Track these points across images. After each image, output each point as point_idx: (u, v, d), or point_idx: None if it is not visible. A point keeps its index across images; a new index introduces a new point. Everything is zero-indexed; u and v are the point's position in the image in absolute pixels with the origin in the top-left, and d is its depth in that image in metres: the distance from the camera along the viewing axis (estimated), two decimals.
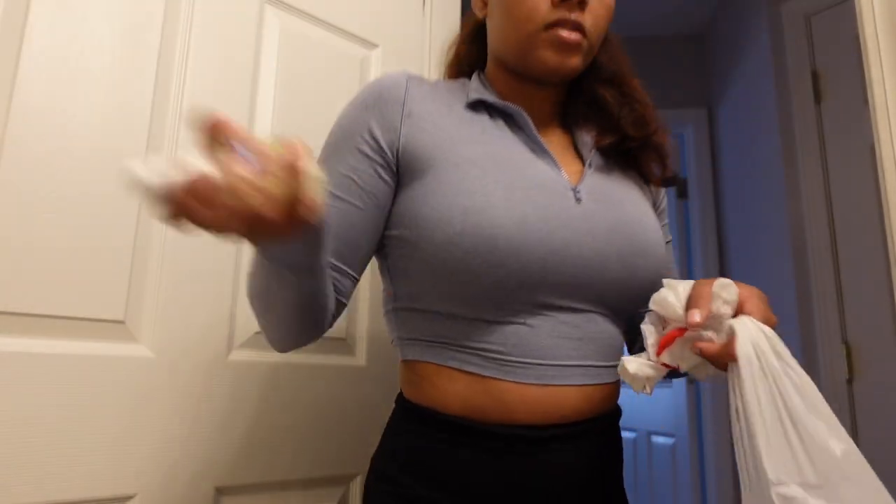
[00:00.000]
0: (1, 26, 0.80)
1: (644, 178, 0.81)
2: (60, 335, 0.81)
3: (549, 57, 0.72)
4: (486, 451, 0.66)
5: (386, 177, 0.72)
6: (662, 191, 0.87)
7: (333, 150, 0.73)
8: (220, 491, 0.92)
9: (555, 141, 0.79)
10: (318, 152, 1.11)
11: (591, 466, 0.68)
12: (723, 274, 2.83)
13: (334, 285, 0.71)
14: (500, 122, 0.75)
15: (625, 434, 3.22)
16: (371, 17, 1.23)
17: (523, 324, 0.67)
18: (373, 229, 0.72)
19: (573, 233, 0.68)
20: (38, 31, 0.83)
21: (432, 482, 0.68)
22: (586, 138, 0.78)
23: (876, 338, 1.89)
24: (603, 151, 0.78)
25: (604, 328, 0.71)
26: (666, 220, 0.86)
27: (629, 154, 0.79)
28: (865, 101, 1.03)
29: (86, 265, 0.83)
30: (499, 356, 0.67)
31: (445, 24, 1.36)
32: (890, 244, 0.95)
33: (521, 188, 0.68)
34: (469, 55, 0.87)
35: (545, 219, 0.67)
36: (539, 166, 0.72)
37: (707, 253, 2.87)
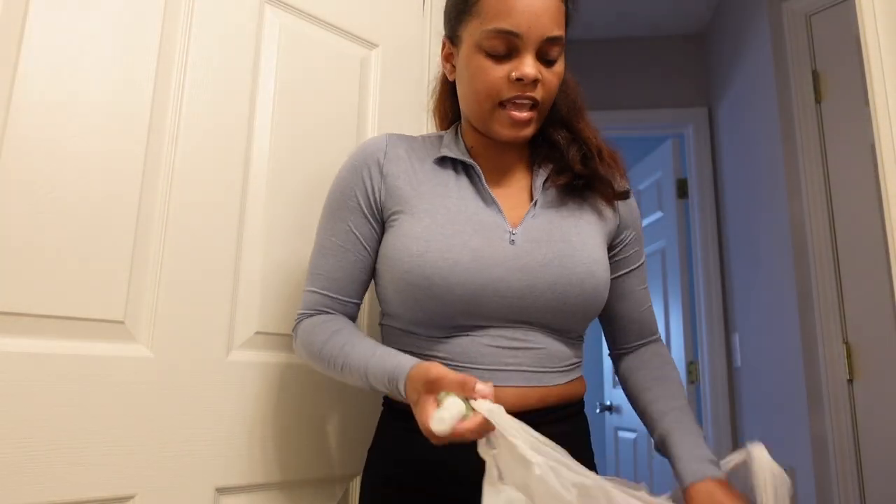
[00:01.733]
0: (0, 26, 0.80)
1: (601, 198, 0.92)
2: (60, 335, 0.81)
3: (504, 132, 0.86)
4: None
5: (375, 226, 0.90)
6: (630, 215, 0.97)
7: (336, 208, 0.90)
8: (220, 491, 0.92)
9: (514, 185, 0.92)
10: (313, 149, 1.11)
11: None
12: (723, 274, 2.83)
13: (349, 313, 0.91)
14: (462, 176, 0.90)
15: (625, 434, 3.22)
16: (371, 17, 1.23)
17: (466, 335, 0.83)
18: (371, 265, 0.90)
19: (505, 270, 0.82)
20: (38, 30, 0.83)
21: (400, 463, 0.85)
22: (539, 182, 0.90)
23: (876, 338, 1.89)
24: (560, 190, 0.90)
25: (541, 340, 0.84)
26: (639, 245, 0.98)
27: (586, 187, 0.91)
28: (865, 101, 1.03)
29: (85, 265, 0.83)
30: (447, 361, 0.82)
31: None
32: (890, 244, 0.95)
33: (462, 234, 0.83)
34: (449, 112, 1.01)
35: (477, 260, 0.81)
36: (485, 214, 0.86)
37: (707, 253, 2.87)
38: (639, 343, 0.99)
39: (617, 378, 1.02)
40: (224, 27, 1.01)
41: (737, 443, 2.64)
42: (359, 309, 0.93)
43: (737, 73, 2.65)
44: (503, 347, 0.82)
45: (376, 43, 1.23)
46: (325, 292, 0.89)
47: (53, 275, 0.81)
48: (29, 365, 0.78)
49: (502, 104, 0.84)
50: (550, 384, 0.85)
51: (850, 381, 1.93)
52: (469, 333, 0.82)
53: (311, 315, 0.89)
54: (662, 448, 0.88)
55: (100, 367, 0.83)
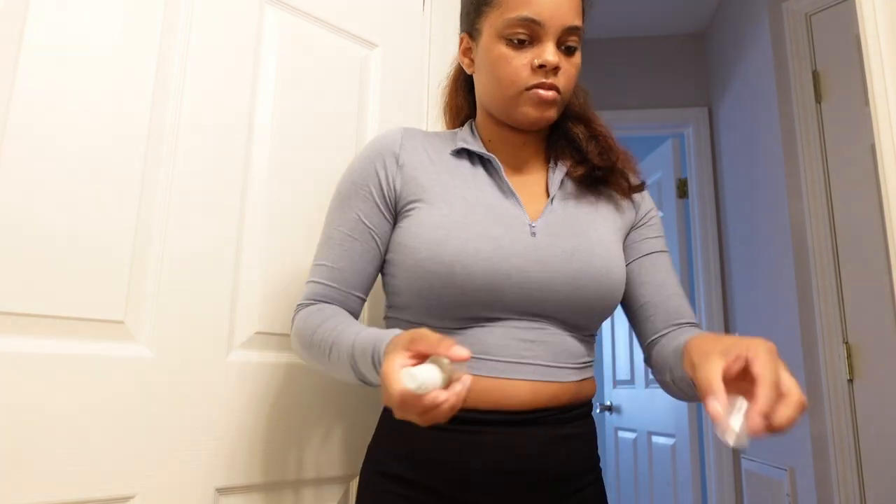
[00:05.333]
0: (1, 25, 0.80)
1: (616, 191, 0.94)
2: (60, 335, 0.81)
3: (530, 112, 0.86)
4: (442, 430, 0.79)
5: (387, 216, 0.88)
6: (645, 206, 0.97)
7: (347, 198, 0.89)
8: (220, 491, 0.92)
9: (531, 180, 0.92)
10: (313, 149, 1.11)
11: (536, 452, 0.80)
12: (723, 274, 2.83)
13: (351, 307, 0.88)
14: (480, 168, 0.90)
15: (625, 434, 3.22)
16: (371, 17, 1.23)
17: (481, 327, 0.81)
18: (378, 257, 0.89)
19: (525, 261, 0.81)
20: (38, 30, 0.83)
21: (402, 457, 0.82)
22: (557, 176, 0.91)
23: (876, 338, 1.89)
24: (577, 183, 0.92)
25: (557, 336, 0.83)
26: (657, 234, 0.96)
27: (602, 180, 0.92)
28: (865, 101, 1.03)
29: (85, 265, 0.83)
30: None
31: (445, 24, 1.36)
32: (890, 244, 0.95)
33: (481, 224, 0.82)
34: (464, 106, 1.00)
35: (498, 249, 0.80)
36: (504, 206, 0.86)
37: (707, 253, 2.87)
38: (668, 329, 0.91)
39: (654, 377, 0.92)
40: (224, 27, 1.01)
41: None
42: (362, 305, 0.90)
43: (737, 73, 2.65)
44: (519, 340, 0.81)
45: (376, 43, 1.23)
46: (327, 282, 0.87)
47: (53, 275, 0.81)
48: (29, 365, 0.78)
49: (527, 89, 0.85)
50: (564, 380, 0.83)
51: (850, 381, 1.93)
52: (484, 325, 0.81)
53: (309, 304, 0.87)
54: (685, 376, 0.79)
55: (100, 367, 0.83)
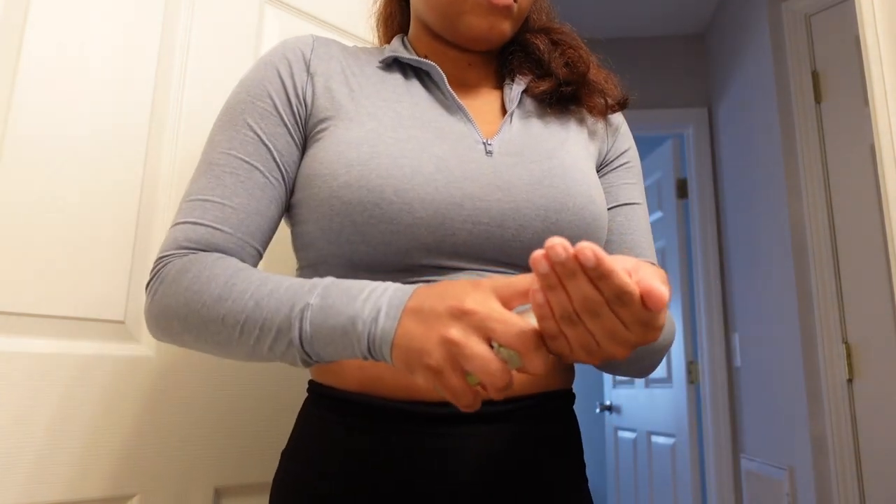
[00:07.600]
0: (1, 26, 0.80)
1: (591, 112, 0.75)
2: (60, 335, 0.81)
3: (478, 23, 0.67)
4: (385, 430, 0.59)
5: (296, 139, 0.66)
6: (625, 140, 0.79)
7: (239, 113, 0.65)
8: (220, 491, 0.92)
9: (481, 102, 0.73)
10: None
11: (512, 453, 0.60)
12: (723, 274, 2.83)
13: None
14: (415, 82, 0.70)
15: (625, 434, 3.22)
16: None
17: (423, 281, 0.59)
18: (284, 197, 0.66)
19: (480, 187, 0.61)
20: (38, 31, 0.83)
21: (318, 469, 0.61)
22: (514, 92, 0.71)
23: (876, 338, 1.89)
24: (540, 101, 0.73)
25: None
26: (636, 180, 0.77)
27: (572, 98, 0.74)
28: (865, 101, 1.03)
29: (86, 265, 0.83)
30: None
31: None
32: (890, 244, 0.95)
33: (419, 139, 0.62)
34: (396, 14, 0.81)
35: (443, 170, 0.60)
36: (449, 122, 0.66)
37: (707, 253, 2.87)
38: None
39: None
40: (224, 28, 1.01)
41: (737, 443, 2.64)
42: (257, 264, 0.66)
43: (737, 73, 2.65)
44: None
45: (376, 43, 1.23)
46: (215, 225, 0.60)
47: (54, 274, 0.81)
48: (29, 365, 0.78)
49: None
50: None
51: (850, 381, 1.93)
52: (427, 277, 0.59)
53: (192, 251, 0.60)
54: None
55: (100, 367, 0.83)
